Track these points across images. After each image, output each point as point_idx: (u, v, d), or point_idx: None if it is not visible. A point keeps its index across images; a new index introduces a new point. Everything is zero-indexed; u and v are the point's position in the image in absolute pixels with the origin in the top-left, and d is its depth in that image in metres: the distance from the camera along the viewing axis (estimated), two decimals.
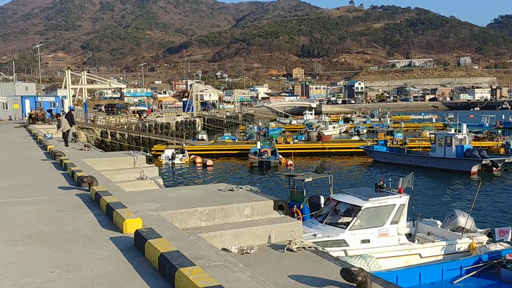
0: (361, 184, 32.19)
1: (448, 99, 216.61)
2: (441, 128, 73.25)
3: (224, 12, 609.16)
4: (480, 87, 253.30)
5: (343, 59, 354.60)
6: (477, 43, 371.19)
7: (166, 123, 71.95)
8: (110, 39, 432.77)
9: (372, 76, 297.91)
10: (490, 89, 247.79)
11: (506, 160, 34.90)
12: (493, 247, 15.26)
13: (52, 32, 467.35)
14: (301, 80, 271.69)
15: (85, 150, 23.20)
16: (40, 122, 40.70)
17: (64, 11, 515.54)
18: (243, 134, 59.48)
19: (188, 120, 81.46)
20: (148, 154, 17.71)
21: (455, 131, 56.56)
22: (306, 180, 20.43)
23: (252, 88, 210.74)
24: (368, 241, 14.66)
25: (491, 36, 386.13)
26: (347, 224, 14.85)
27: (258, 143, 41.31)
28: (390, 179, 16.26)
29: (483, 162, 34.66)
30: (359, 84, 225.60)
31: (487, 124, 70.53)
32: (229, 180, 34.71)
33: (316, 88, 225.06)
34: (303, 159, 44.60)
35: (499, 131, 58.18)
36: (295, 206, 20.72)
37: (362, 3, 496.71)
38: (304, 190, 21.39)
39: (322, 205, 22.19)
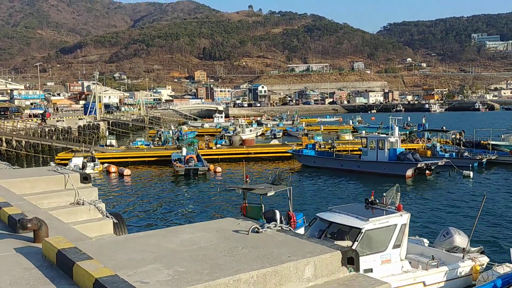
0: (305, 193, 29.96)
1: (345, 102, 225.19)
2: (353, 131, 73.95)
3: (121, 12, 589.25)
4: (374, 91, 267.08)
5: (244, 63, 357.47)
6: (369, 49, 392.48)
7: (67, 128, 65.33)
8: None
9: (273, 80, 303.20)
10: (383, 92, 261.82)
11: (440, 163, 34.52)
12: (500, 270, 13.36)
13: None
14: (203, 82, 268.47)
15: None
16: None
17: None
18: (157, 139, 55.22)
19: (91, 124, 75.00)
20: (84, 171, 13.76)
21: (365, 133, 56.91)
22: (268, 194, 17.57)
23: (154, 90, 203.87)
24: (371, 270, 12.08)
25: (381, 42, 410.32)
26: None
27: (184, 149, 37.60)
28: (384, 194, 13.79)
29: (418, 165, 34.00)
30: (263, 87, 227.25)
31: (395, 126, 72.12)
32: (154, 193, 30.82)
33: (221, 91, 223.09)
34: (228, 165, 41.68)
35: (407, 132, 59.41)
36: None
37: (260, 8, 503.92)
38: (263, 206, 18.51)
39: (278, 221, 19.48)
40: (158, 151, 44.66)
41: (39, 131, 55.87)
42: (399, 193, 13.61)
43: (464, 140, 44.82)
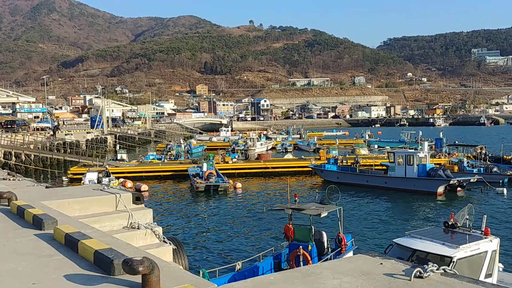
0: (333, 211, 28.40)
1: (347, 116, 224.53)
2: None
3: (122, 26, 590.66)
4: (376, 105, 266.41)
5: (245, 77, 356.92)
6: (369, 63, 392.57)
7: (76, 141, 63.96)
8: None
9: (275, 94, 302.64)
10: (385, 107, 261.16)
11: (472, 180, 33.10)
12: None
13: None
14: (205, 96, 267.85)
15: (9, 179, 17.09)
16: None
17: None
18: (169, 153, 53.81)
19: (99, 137, 73.70)
20: (135, 191, 12.30)
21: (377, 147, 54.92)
22: (322, 215, 16.11)
23: (157, 104, 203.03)
24: None
25: (382, 57, 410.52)
26: None
27: (205, 164, 36.20)
28: (467, 217, 12.33)
29: (451, 182, 32.54)
30: (265, 101, 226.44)
31: (407, 140, 70.83)
32: (178, 211, 29.32)
33: (224, 105, 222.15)
34: (246, 180, 40.24)
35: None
36: (301, 247, 16.33)
37: (261, 23, 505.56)
38: (313, 227, 17.04)
39: (325, 243, 18.05)
40: (173, 166, 43.25)
41: (48, 145, 54.48)
42: (485, 215, 12.18)
43: (489, 155, 43.43)
